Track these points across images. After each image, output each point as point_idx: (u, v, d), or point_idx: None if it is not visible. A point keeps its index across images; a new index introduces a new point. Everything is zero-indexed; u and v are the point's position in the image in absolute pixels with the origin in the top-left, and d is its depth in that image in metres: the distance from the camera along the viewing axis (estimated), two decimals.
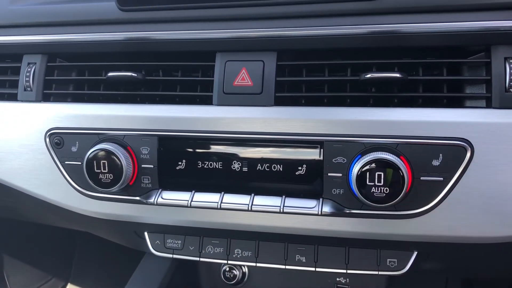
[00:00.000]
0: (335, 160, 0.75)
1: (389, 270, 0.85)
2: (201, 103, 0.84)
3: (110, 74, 0.86)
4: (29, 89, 0.91)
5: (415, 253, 0.84)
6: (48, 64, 0.92)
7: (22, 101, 0.92)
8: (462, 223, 0.74)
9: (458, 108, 0.74)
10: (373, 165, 0.71)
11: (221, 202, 0.79)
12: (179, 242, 0.94)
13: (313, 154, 0.77)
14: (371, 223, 0.77)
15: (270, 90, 0.79)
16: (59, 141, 0.87)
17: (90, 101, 0.90)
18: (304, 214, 0.77)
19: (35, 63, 0.91)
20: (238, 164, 0.80)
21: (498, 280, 1.16)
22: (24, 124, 0.90)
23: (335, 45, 0.77)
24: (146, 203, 0.83)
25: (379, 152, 0.72)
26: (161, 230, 0.94)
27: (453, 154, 0.71)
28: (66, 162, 0.87)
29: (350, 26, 0.76)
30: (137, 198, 0.84)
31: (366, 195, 0.71)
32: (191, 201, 0.81)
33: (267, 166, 0.79)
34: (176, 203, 0.82)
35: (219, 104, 0.81)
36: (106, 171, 0.80)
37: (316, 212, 0.76)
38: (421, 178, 0.72)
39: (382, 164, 0.71)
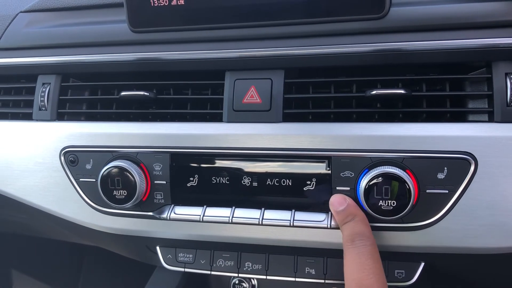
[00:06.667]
0: (343, 174, 0.78)
1: (397, 281, 0.87)
2: (211, 120, 0.87)
3: (122, 93, 0.89)
4: (44, 108, 0.94)
5: (422, 264, 0.86)
6: (62, 84, 0.95)
7: (37, 120, 0.94)
8: (467, 234, 0.75)
9: (461, 123, 0.76)
10: (380, 179, 0.73)
11: (232, 217, 0.81)
12: (191, 256, 0.95)
13: (321, 168, 0.79)
14: (379, 235, 0.79)
15: (278, 107, 0.82)
16: (74, 159, 0.89)
17: (103, 120, 0.92)
18: (313, 227, 0.79)
19: (50, 83, 0.94)
20: (248, 179, 0.83)
21: None
22: (39, 142, 0.92)
23: (340, 63, 0.80)
24: (159, 218, 0.85)
25: (386, 166, 0.74)
26: (173, 245, 0.96)
27: (457, 167, 0.74)
28: (80, 179, 0.89)
29: (356, 44, 0.78)
30: (150, 213, 0.86)
31: (374, 208, 0.74)
32: (203, 215, 0.83)
33: (276, 181, 0.82)
34: (188, 218, 0.84)
35: (229, 121, 0.84)
36: (120, 187, 0.83)
37: (326, 226, 0.78)
38: (427, 191, 0.74)
39: (389, 178, 0.73)
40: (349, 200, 0.76)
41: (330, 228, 0.78)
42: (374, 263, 0.68)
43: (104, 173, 0.83)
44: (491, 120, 0.75)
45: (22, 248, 1.67)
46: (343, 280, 0.88)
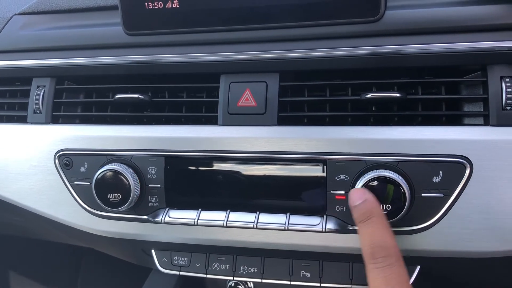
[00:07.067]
0: (338, 178, 0.77)
1: None
2: (206, 123, 0.87)
3: (117, 96, 0.89)
4: (38, 111, 0.94)
5: (418, 267, 0.85)
6: (56, 87, 0.94)
7: (31, 123, 0.94)
8: (463, 238, 0.75)
9: (456, 126, 0.76)
10: (375, 182, 0.73)
11: (227, 220, 0.81)
12: (186, 259, 0.95)
13: (316, 172, 0.79)
14: None
15: (274, 110, 0.81)
16: (68, 162, 0.89)
17: (98, 123, 0.92)
18: (308, 231, 0.79)
19: (44, 86, 0.94)
20: (243, 182, 0.82)
21: None
22: (34, 145, 0.92)
23: (336, 66, 0.80)
24: (154, 222, 0.85)
25: (381, 170, 0.74)
26: (168, 248, 0.95)
27: (452, 171, 0.73)
28: (75, 183, 0.89)
29: (351, 48, 0.78)
30: (145, 217, 0.86)
31: None
32: (198, 219, 0.82)
33: (271, 184, 0.81)
34: (183, 222, 0.83)
35: (224, 124, 0.83)
36: (115, 191, 0.82)
37: (320, 229, 0.78)
38: (422, 194, 0.74)
39: (383, 182, 0.72)
40: (368, 195, 0.70)
41: (325, 231, 0.78)
42: None
43: (98, 177, 0.83)
44: (486, 123, 0.75)
45: (20, 249, 1.66)
46: (339, 283, 0.89)
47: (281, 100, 0.82)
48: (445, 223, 0.75)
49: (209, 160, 0.84)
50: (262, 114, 0.82)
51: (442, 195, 0.74)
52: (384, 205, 0.72)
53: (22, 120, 0.96)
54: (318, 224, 0.78)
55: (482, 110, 0.76)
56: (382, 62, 0.78)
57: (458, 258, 0.78)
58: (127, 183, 0.82)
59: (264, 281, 0.91)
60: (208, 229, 0.85)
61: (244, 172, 0.82)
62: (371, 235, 0.67)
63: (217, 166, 0.84)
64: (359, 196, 0.71)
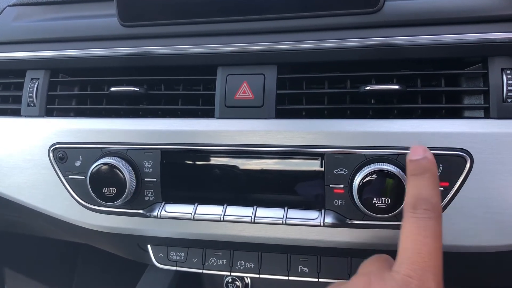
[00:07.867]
0: (337, 172, 0.76)
1: None
2: (203, 116, 0.85)
3: (112, 88, 0.87)
4: (32, 104, 0.92)
5: None
6: (51, 79, 0.93)
7: (25, 116, 0.93)
8: (463, 232, 0.74)
9: (457, 119, 0.75)
10: (374, 176, 0.72)
11: (224, 215, 0.80)
12: (182, 254, 0.94)
13: (315, 165, 0.78)
14: (373, 233, 0.78)
15: (271, 103, 0.80)
16: (63, 156, 0.87)
17: (92, 116, 0.91)
18: (306, 225, 0.77)
19: (38, 78, 0.92)
20: (240, 176, 0.81)
21: None
22: (27, 139, 0.90)
23: (334, 58, 0.79)
24: (150, 216, 0.84)
25: (380, 163, 0.73)
26: (164, 243, 0.94)
27: (453, 164, 0.72)
28: (69, 177, 0.87)
29: (349, 39, 0.77)
30: (141, 211, 0.85)
31: (367, 206, 0.72)
32: (194, 213, 0.81)
33: (269, 178, 0.80)
34: (179, 216, 0.82)
35: (221, 117, 0.82)
36: (110, 185, 0.81)
37: (319, 223, 0.77)
38: None
39: (383, 175, 0.71)
40: (428, 154, 0.66)
41: (323, 226, 0.77)
42: (434, 242, 0.61)
43: (93, 170, 0.81)
44: (487, 116, 0.74)
45: (15, 246, 1.65)
46: (337, 278, 0.88)
47: (279, 93, 0.81)
48: (444, 217, 0.73)
49: (205, 154, 0.82)
50: (260, 107, 0.80)
51: (442, 189, 0.73)
52: (383, 199, 0.71)
53: (16, 113, 0.94)
54: (316, 218, 0.77)
55: (483, 102, 0.75)
56: (381, 54, 0.77)
57: (458, 252, 0.77)
58: (122, 177, 0.80)
59: (261, 276, 0.91)
60: (204, 224, 0.83)
61: (242, 166, 0.81)
62: (419, 188, 0.65)
63: (214, 159, 0.83)
64: (420, 152, 0.67)
